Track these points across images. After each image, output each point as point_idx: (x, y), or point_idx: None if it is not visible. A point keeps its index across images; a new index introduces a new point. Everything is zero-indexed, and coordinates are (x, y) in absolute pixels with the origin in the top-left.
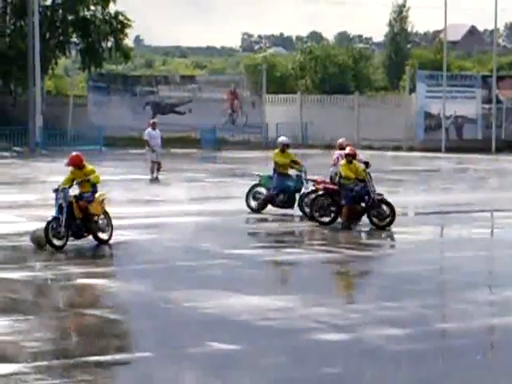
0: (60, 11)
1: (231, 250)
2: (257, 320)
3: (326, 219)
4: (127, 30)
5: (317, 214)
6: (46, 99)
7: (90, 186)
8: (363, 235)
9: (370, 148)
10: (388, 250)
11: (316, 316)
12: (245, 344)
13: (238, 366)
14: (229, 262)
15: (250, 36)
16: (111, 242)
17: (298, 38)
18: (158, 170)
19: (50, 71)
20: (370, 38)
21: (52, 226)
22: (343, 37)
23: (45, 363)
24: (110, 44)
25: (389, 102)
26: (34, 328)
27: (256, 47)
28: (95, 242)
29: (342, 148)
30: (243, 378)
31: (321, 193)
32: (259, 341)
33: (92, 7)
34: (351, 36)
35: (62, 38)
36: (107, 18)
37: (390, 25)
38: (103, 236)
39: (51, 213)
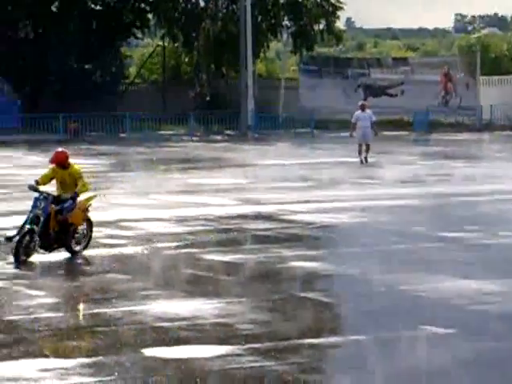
0: None
1: (446, 233)
2: (471, 304)
3: None
4: (339, 13)
5: None
6: (257, 83)
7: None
8: None
9: None
10: None
11: None
12: (459, 328)
13: (452, 350)
14: (443, 246)
15: (464, 17)
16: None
17: None
18: (367, 151)
19: (262, 54)
20: None
21: (26, 240)
22: None
23: (258, 345)
24: (321, 27)
25: None
26: (247, 310)
27: (469, 28)
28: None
29: None
30: (456, 362)
31: None
32: (474, 325)
33: None
34: None
35: (273, 21)
36: (319, 0)
37: None
38: (77, 248)
39: (263, 196)
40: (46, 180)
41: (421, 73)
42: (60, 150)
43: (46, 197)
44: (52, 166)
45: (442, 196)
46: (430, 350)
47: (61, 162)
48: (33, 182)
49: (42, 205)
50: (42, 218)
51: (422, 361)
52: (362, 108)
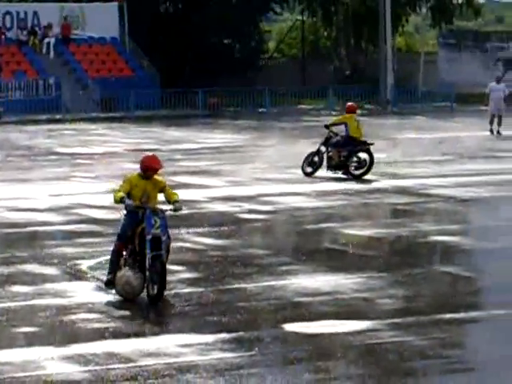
0: None
1: None
2: None
3: None
4: None
5: None
6: (396, 57)
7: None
8: None
9: None
10: None
11: None
12: None
13: None
14: None
15: None
16: None
17: None
18: (499, 124)
19: (401, 29)
20: None
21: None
22: None
23: (398, 320)
24: (460, 0)
25: None
26: (387, 285)
27: None
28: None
29: None
30: None
31: None
32: None
33: None
34: None
35: None
36: None
37: None
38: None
39: (402, 170)
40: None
41: None
42: (150, 154)
43: (162, 211)
44: (131, 176)
45: None
46: None
47: (156, 168)
48: (128, 201)
49: (158, 223)
50: (163, 239)
51: None
52: (498, 80)
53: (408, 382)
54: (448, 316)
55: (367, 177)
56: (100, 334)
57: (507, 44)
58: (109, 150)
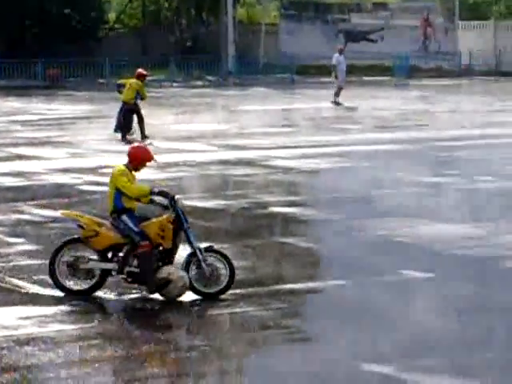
0: None
1: (425, 177)
2: (450, 248)
3: None
4: None
5: None
6: (238, 28)
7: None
8: None
9: None
10: None
11: (510, 244)
12: (438, 272)
13: (428, 294)
14: (423, 191)
15: None
16: None
17: None
18: (338, 94)
19: (242, 0)
20: None
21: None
22: None
23: (238, 291)
24: None
25: None
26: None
27: None
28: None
29: None
30: (432, 304)
31: None
32: (452, 269)
33: None
34: None
35: None
36: None
37: None
38: None
39: (244, 142)
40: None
41: (401, 18)
42: (142, 145)
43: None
44: (123, 169)
45: (421, 141)
46: (409, 295)
47: (150, 160)
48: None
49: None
50: (198, 252)
51: (401, 304)
52: (341, 52)
53: (249, 352)
54: (288, 286)
55: (209, 148)
56: None
57: (348, 16)
58: None
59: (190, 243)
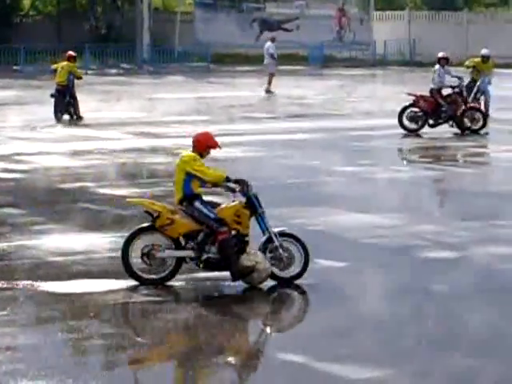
0: None
1: (340, 167)
2: (365, 237)
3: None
4: None
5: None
6: (153, 16)
7: None
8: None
9: None
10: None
11: (423, 234)
12: (352, 261)
13: (342, 284)
14: (338, 180)
15: None
16: None
17: None
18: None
19: None
20: None
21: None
22: None
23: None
24: None
25: (498, 18)
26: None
27: None
28: None
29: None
30: (346, 293)
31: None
32: (367, 258)
33: None
34: None
35: None
36: None
37: None
38: None
39: (159, 130)
40: None
41: (316, 8)
42: (205, 131)
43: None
44: (196, 156)
45: (336, 130)
46: (324, 284)
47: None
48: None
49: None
50: (274, 237)
51: (315, 294)
52: (273, 40)
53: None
54: (201, 275)
55: (124, 136)
56: None
57: (263, 5)
58: None
59: (266, 228)
